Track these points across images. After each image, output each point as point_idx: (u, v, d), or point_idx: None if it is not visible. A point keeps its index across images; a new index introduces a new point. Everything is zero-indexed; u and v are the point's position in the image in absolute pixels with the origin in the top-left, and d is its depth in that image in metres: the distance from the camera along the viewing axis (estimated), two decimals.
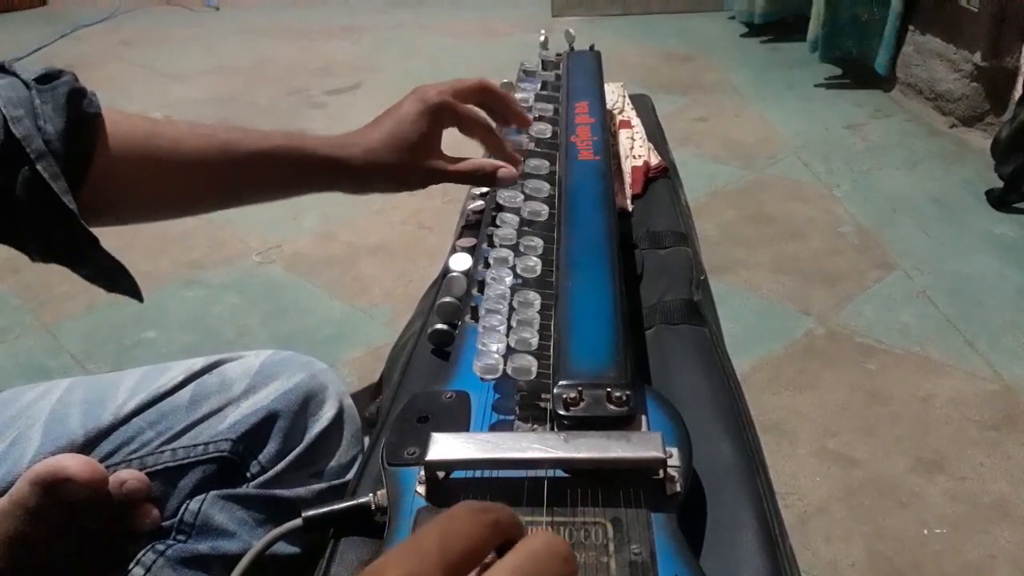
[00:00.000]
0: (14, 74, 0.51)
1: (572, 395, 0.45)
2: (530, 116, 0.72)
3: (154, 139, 0.56)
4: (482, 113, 0.65)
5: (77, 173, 0.51)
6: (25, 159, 0.48)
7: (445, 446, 0.42)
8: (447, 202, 1.73)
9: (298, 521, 0.46)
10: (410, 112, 0.61)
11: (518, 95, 0.79)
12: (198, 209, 0.63)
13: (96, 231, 0.52)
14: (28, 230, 0.51)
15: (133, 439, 0.56)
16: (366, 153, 0.61)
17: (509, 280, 0.56)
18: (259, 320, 1.41)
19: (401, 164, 0.61)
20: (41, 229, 0.50)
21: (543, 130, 0.74)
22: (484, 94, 0.66)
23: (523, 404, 0.48)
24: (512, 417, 0.47)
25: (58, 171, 0.49)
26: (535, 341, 0.50)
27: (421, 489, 0.42)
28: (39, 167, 0.48)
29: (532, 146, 0.72)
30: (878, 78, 2.21)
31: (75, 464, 0.43)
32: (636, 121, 0.97)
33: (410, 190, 0.64)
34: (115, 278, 0.55)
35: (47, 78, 0.52)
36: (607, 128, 0.77)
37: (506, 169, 0.63)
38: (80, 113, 0.52)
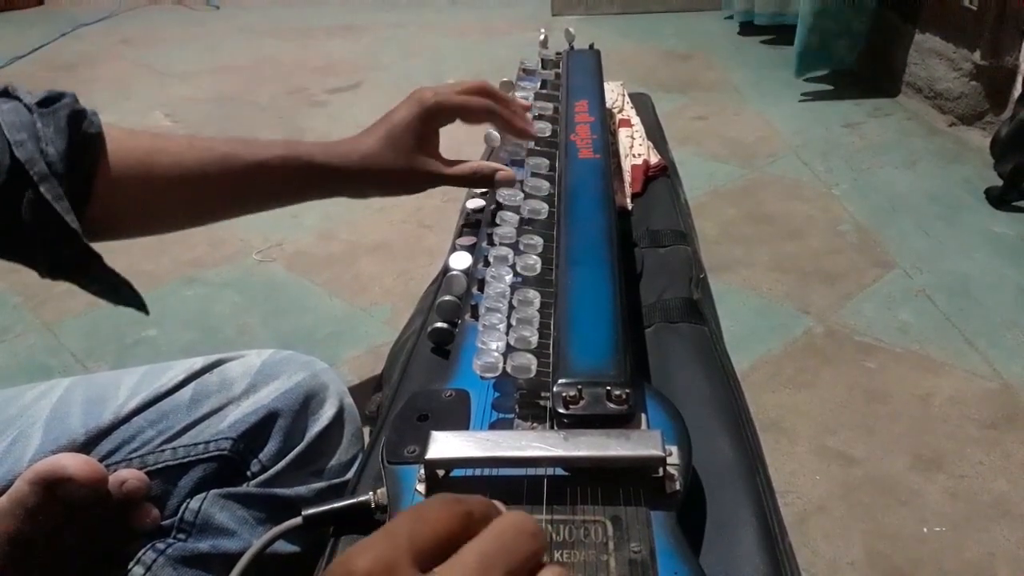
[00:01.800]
0: (17, 98, 0.52)
1: (572, 393, 0.45)
2: (531, 123, 0.72)
3: (155, 155, 0.57)
4: (481, 100, 0.65)
5: (81, 192, 0.53)
6: (29, 181, 0.49)
7: (445, 444, 0.42)
8: (447, 201, 1.73)
9: (298, 520, 0.46)
10: (405, 116, 0.62)
11: (518, 94, 0.80)
12: (201, 221, 0.64)
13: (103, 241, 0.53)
14: (35, 249, 0.52)
15: (134, 438, 0.56)
16: (363, 159, 0.62)
17: (509, 278, 0.56)
18: (259, 319, 1.41)
19: (398, 169, 0.62)
20: (47, 248, 0.52)
21: (543, 129, 0.74)
22: (486, 97, 0.66)
23: (523, 402, 0.48)
24: (512, 415, 0.47)
25: (61, 192, 0.50)
26: (535, 339, 0.50)
27: (421, 487, 0.42)
28: (42, 189, 0.49)
29: (532, 144, 0.72)
30: (877, 78, 2.21)
31: (75, 463, 0.43)
32: (636, 120, 0.97)
33: (408, 194, 0.65)
34: (120, 292, 0.57)
35: (48, 101, 0.53)
36: (607, 127, 0.77)
37: (504, 171, 0.64)
38: (81, 134, 0.53)
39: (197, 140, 0.59)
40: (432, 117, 0.63)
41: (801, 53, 2.20)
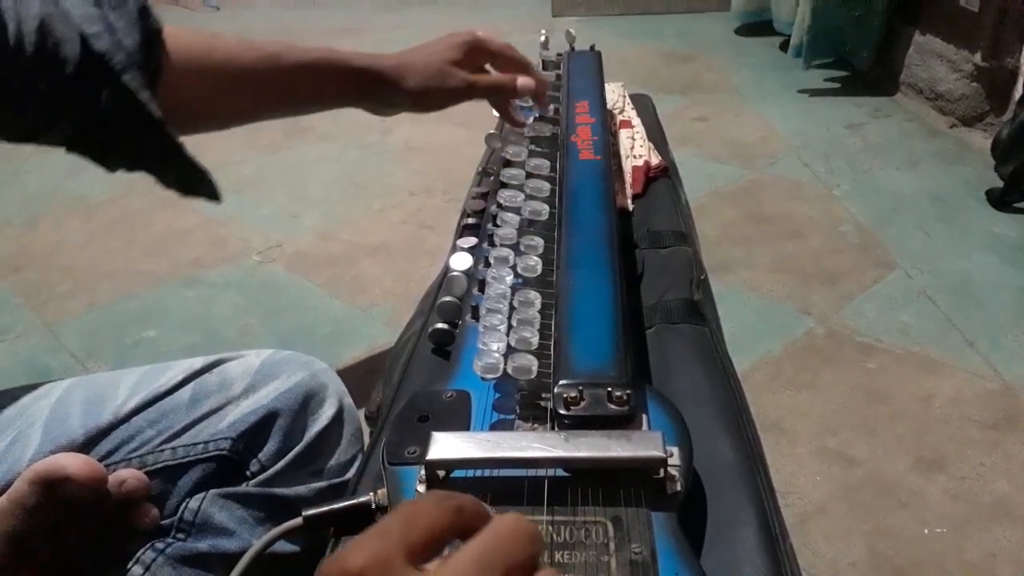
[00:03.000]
0: None
1: (572, 394, 0.45)
2: (529, 116, 0.73)
3: (211, 52, 0.59)
4: (515, 50, 0.70)
5: (151, 85, 0.53)
6: (109, 73, 0.49)
7: (446, 445, 0.41)
8: (448, 201, 1.73)
9: (298, 520, 0.46)
10: (446, 40, 0.68)
11: None
12: (249, 118, 0.66)
13: None
14: (115, 142, 0.53)
15: (133, 438, 0.56)
16: (398, 67, 0.66)
17: (510, 279, 0.56)
18: (259, 319, 1.41)
19: (428, 79, 0.66)
20: (127, 139, 0.52)
21: (544, 129, 0.74)
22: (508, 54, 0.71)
23: (524, 403, 0.48)
24: (513, 416, 0.47)
25: (143, 81, 0.51)
26: (535, 340, 0.50)
27: (422, 488, 0.42)
28: (124, 79, 0.50)
29: (533, 146, 0.72)
30: (879, 79, 2.21)
31: (74, 463, 0.43)
32: (636, 121, 0.97)
33: (434, 108, 0.69)
34: (197, 182, 0.57)
35: None
36: (607, 128, 0.77)
37: (525, 79, 0.69)
38: (151, 28, 0.54)
39: (245, 40, 0.62)
40: (472, 49, 0.68)
41: (808, 41, 2.20)
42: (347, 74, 0.65)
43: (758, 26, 2.67)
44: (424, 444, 0.42)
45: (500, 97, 0.72)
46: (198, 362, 0.61)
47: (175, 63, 0.56)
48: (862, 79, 2.27)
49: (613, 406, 0.44)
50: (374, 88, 0.66)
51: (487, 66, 0.72)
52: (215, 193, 0.58)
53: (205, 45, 0.59)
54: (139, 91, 0.50)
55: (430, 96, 0.67)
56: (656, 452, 0.41)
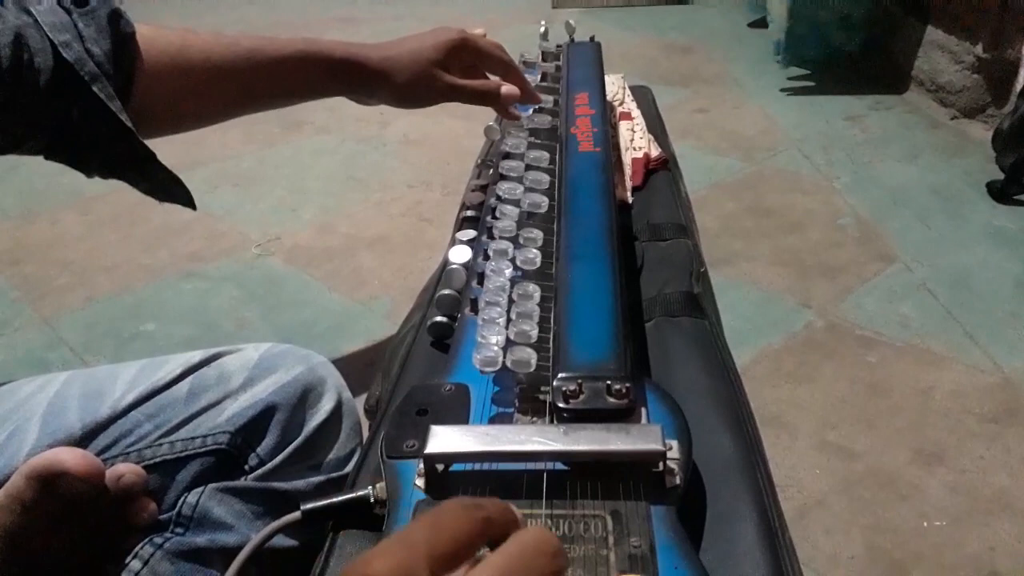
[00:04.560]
0: None
1: (572, 388, 0.44)
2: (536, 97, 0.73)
3: (186, 51, 0.58)
4: (503, 50, 0.68)
5: (124, 91, 0.53)
6: (79, 82, 0.49)
7: (444, 439, 0.41)
8: (447, 194, 1.72)
9: (297, 514, 0.46)
10: (429, 38, 0.66)
11: None
12: (229, 114, 0.65)
13: None
14: (88, 150, 0.53)
15: (131, 432, 0.56)
16: (382, 61, 0.65)
17: (509, 272, 0.55)
18: (258, 313, 1.41)
19: (413, 78, 0.65)
20: (99, 148, 0.52)
21: (543, 121, 0.73)
22: (507, 64, 0.69)
23: (523, 397, 0.47)
24: (512, 410, 0.47)
25: (112, 92, 0.51)
26: (535, 333, 0.50)
27: (420, 482, 0.42)
28: (95, 89, 0.50)
29: (532, 138, 0.72)
30: (878, 71, 2.20)
31: (71, 458, 0.43)
32: (636, 113, 0.97)
33: (418, 106, 0.67)
34: (171, 190, 0.57)
35: (83, 1, 0.53)
36: (607, 120, 0.77)
37: (509, 88, 0.68)
38: (121, 33, 0.53)
39: (222, 36, 0.61)
40: (455, 48, 0.66)
41: (786, 41, 2.19)
42: (328, 65, 0.64)
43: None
44: (423, 438, 0.41)
45: (483, 104, 0.71)
46: (196, 356, 0.61)
47: (150, 65, 0.55)
48: (862, 72, 2.26)
49: (612, 399, 0.44)
50: (356, 79, 0.65)
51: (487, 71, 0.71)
52: (190, 200, 0.59)
53: (179, 45, 0.58)
54: (109, 100, 0.50)
55: (414, 96, 0.67)
56: (655, 445, 0.40)
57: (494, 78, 0.71)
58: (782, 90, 2.21)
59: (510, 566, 0.25)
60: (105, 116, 0.50)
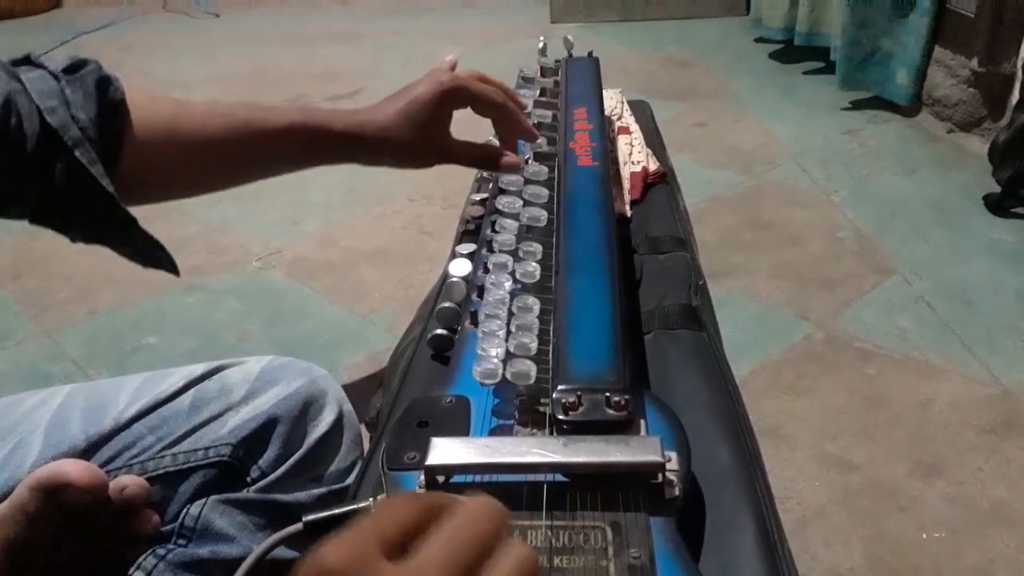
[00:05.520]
0: (42, 66, 0.53)
1: (571, 400, 0.45)
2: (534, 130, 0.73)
3: (178, 120, 0.58)
4: (498, 92, 0.67)
5: (110, 157, 0.53)
6: (62, 147, 0.50)
7: (445, 451, 0.42)
8: (447, 208, 1.73)
9: (299, 526, 0.46)
10: (423, 93, 0.64)
11: None
12: (223, 185, 0.65)
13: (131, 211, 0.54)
14: (70, 214, 0.53)
15: (134, 444, 0.56)
16: (379, 131, 0.64)
17: (508, 285, 0.56)
18: (259, 326, 1.41)
19: (411, 143, 0.64)
20: (82, 213, 0.52)
21: (539, 143, 0.74)
22: (501, 106, 0.68)
23: (522, 409, 0.48)
24: (511, 422, 0.47)
25: (95, 157, 0.51)
26: (534, 346, 0.50)
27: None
28: (77, 154, 0.50)
29: (531, 153, 0.73)
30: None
31: (75, 469, 0.43)
32: (635, 127, 0.98)
33: (418, 168, 0.67)
34: (153, 255, 0.57)
35: (73, 68, 0.53)
36: (606, 134, 0.77)
37: (510, 157, 0.67)
38: (108, 100, 0.54)
39: (218, 106, 0.61)
40: (448, 99, 0.65)
41: (845, 68, 2.12)
42: (325, 139, 0.63)
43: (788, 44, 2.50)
44: (423, 450, 0.42)
45: (483, 169, 0.72)
46: (198, 369, 0.62)
47: (140, 132, 0.55)
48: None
49: (611, 411, 0.44)
50: (352, 153, 0.65)
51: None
52: (174, 267, 0.58)
53: (172, 114, 0.58)
54: (91, 165, 0.50)
55: (413, 163, 0.66)
56: (654, 457, 0.41)
57: (492, 137, 0.71)
58: (814, 91, 2.21)
59: (456, 527, 0.27)
60: (87, 180, 0.51)
